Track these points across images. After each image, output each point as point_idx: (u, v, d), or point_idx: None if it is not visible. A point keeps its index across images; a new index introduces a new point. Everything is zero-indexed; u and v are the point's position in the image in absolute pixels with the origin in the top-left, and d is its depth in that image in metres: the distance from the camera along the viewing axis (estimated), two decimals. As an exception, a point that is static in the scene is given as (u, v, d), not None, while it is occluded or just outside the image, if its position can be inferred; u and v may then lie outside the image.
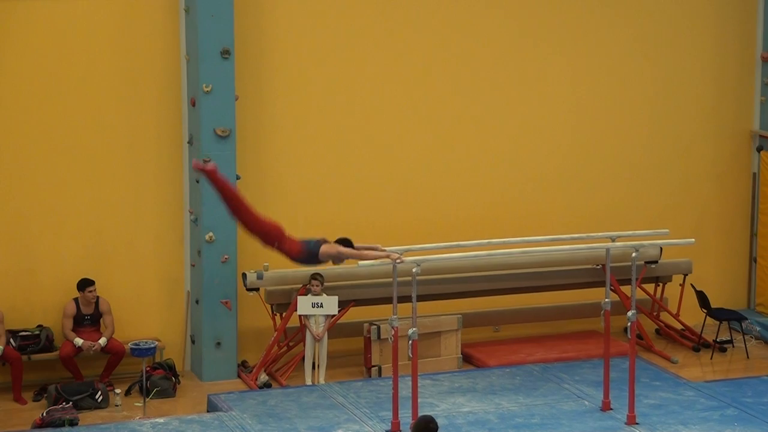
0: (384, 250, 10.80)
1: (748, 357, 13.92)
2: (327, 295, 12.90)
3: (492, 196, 14.05)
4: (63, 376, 12.80)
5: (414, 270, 11.09)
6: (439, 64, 13.79)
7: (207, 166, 10.29)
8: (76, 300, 12.86)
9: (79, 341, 12.73)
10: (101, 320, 12.93)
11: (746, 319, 14.37)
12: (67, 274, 12.90)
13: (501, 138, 14.09)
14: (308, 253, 10.44)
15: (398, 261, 10.88)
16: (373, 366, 13.18)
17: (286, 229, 10.41)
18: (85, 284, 12.81)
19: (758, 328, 14.44)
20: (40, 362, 12.82)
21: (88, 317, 12.87)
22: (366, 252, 10.69)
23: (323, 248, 10.46)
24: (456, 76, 13.84)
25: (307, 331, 12.91)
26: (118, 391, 12.64)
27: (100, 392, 12.47)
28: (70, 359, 12.73)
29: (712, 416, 11.82)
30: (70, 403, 12.21)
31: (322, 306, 12.86)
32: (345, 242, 10.60)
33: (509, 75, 14.02)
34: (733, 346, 14.13)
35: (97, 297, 12.87)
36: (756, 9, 14.64)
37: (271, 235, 10.41)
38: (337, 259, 10.54)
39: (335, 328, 13.25)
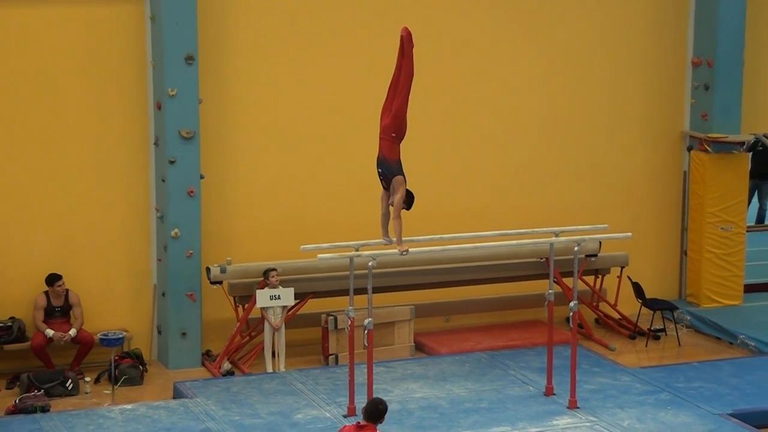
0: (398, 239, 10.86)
1: (679, 344, 14.06)
2: (286, 286, 12.91)
3: (444, 196, 14.08)
4: (35, 365, 12.71)
5: (369, 264, 11.12)
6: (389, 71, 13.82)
7: (406, 31, 10.56)
8: (46, 293, 12.76)
9: (50, 332, 12.64)
10: (71, 312, 12.84)
11: (678, 308, 14.51)
12: (37, 269, 12.79)
13: (453, 141, 14.14)
14: (396, 166, 10.64)
15: (404, 253, 10.92)
16: (331, 354, 13.19)
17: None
18: (53, 279, 12.73)
19: (689, 318, 14.58)
20: (12, 352, 12.73)
21: (59, 309, 12.79)
22: (398, 222, 10.75)
23: (400, 178, 10.67)
24: (414, 83, 13.82)
25: (266, 321, 12.91)
26: (87, 379, 12.57)
27: (70, 380, 12.40)
28: (42, 349, 12.64)
29: (647, 400, 11.94)
30: (42, 390, 12.14)
31: (279, 298, 12.87)
32: (410, 195, 10.79)
33: (460, 81, 14.07)
34: (666, 334, 14.26)
35: (67, 290, 12.78)
36: (687, 18, 14.78)
37: (401, 125, 10.66)
38: (394, 193, 10.66)
39: (295, 319, 13.26)
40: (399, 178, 10.71)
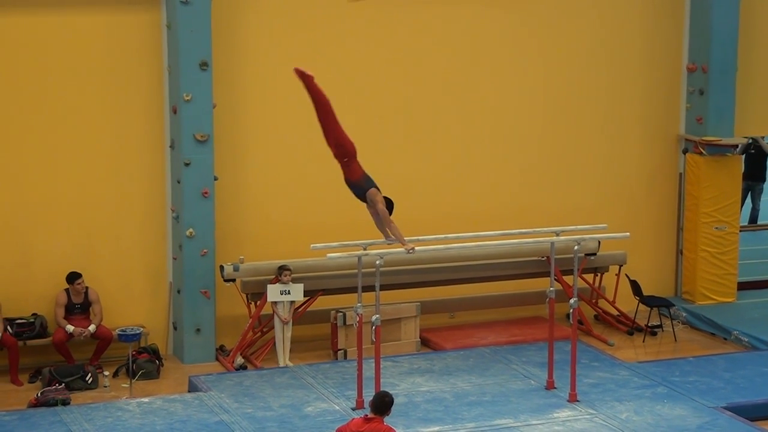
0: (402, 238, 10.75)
1: (675, 340, 14.06)
2: (297, 283, 12.93)
3: (448, 197, 14.09)
4: (56, 360, 12.75)
5: (377, 262, 11.14)
6: (404, 73, 13.81)
7: (308, 72, 10.30)
8: (67, 290, 12.80)
9: (70, 328, 12.68)
10: (90, 309, 12.87)
11: (674, 305, 14.51)
12: (59, 267, 12.83)
13: (456, 146, 14.14)
14: (363, 183, 10.59)
15: (411, 251, 10.88)
16: (340, 349, 13.20)
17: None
18: (73, 277, 12.76)
19: (684, 314, 14.57)
20: (34, 347, 12.77)
21: (79, 306, 12.82)
22: (393, 226, 10.68)
23: (372, 190, 10.59)
24: (419, 86, 13.87)
25: (275, 317, 12.94)
26: (106, 373, 12.61)
27: (90, 374, 12.43)
28: (63, 344, 12.68)
29: (644, 394, 11.94)
30: (63, 384, 12.17)
31: (289, 293, 12.89)
32: (389, 202, 10.70)
33: (462, 86, 14.08)
34: (663, 330, 14.25)
35: (87, 287, 12.81)
36: (682, 25, 14.78)
37: (346, 149, 10.56)
38: (374, 207, 10.59)
39: (305, 315, 13.27)
40: (372, 191, 10.70)
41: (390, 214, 10.82)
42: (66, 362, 12.68)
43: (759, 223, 17.73)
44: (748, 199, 17.74)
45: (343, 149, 10.63)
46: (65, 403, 11.78)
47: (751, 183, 17.57)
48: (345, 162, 10.67)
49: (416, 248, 11.05)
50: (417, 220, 13.74)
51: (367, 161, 13.71)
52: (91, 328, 12.72)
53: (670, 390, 11.99)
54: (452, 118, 14.13)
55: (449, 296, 14.09)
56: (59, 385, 12.13)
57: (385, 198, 10.79)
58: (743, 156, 16.40)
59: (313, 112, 13.45)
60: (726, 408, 11.55)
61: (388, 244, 11.05)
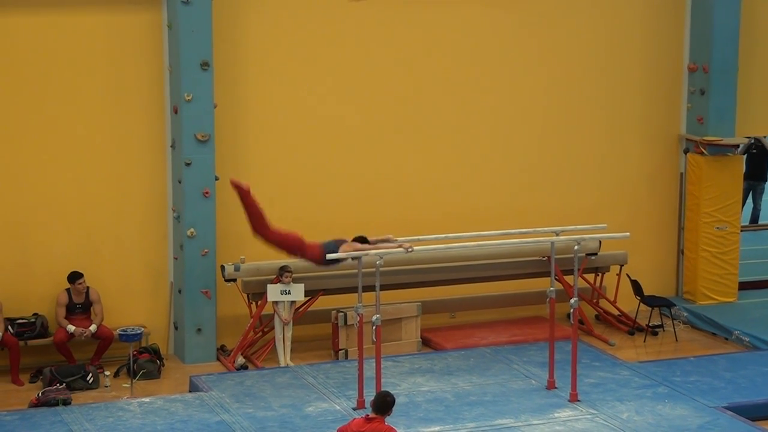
0: (396, 241, 10.79)
1: (676, 340, 14.04)
2: (297, 283, 12.92)
3: (450, 197, 14.06)
4: (57, 360, 12.74)
5: (377, 262, 11.12)
6: (404, 74, 13.81)
7: (243, 185, 10.28)
8: (68, 290, 12.78)
9: (71, 328, 12.67)
10: (91, 308, 12.86)
11: (675, 305, 14.49)
12: (60, 267, 12.82)
13: (457, 146, 14.12)
14: (325, 252, 10.51)
15: (409, 250, 10.88)
16: (340, 349, 13.19)
17: (305, 238, 10.40)
18: (74, 277, 12.75)
19: (685, 314, 14.56)
20: (35, 347, 12.76)
21: (80, 306, 12.81)
22: (381, 244, 10.67)
23: (342, 248, 10.53)
24: (419, 86, 13.86)
25: (276, 317, 12.92)
26: (107, 373, 12.60)
27: (91, 374, 12.42)
28: (63, 344, 12.67)
29: (645, 393, 11.93)
30: (64, 384, 12.17)
31: (290, 293, 12.88)
32: (361, 239, 10.67)
33: (463, 87, 14.07)
34: (664, 330, 14.24)
35: (87, 287, 12.80)
36: (684, 26, 14.76)
37: (293, 246, 10.45)
38: (360, 252, 10.55)
39: (306, 315, 13.26)
40: (343, 248, 10.66)
41: (364, 242, 10.80)
42: (67, 362, 12.67)
43: (760, 222, 17.70)
44: (749, 199, 17.71)
45: (291, 247, 10.57)
46: (66, 403, 11.77)
47: (752, 183, 17.55)
48: (300, 255, 10.60)
49: (417, 248, 11.01)
50: (417, 220, 13.76)
51: (367, 161, 13.83)
52: (92, 328, 12.71)
53: (671, 390, 11.98)
54: (453, 118, 14.12)
55: (450, 296, 14.08)
56: (60, 385, 12.13)
57: (357, 238, 10.82)
58: (745, 156, 16.39)
59: (311, 111, 13.56)
60: (727, 408, 11.53)
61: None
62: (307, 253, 10.55)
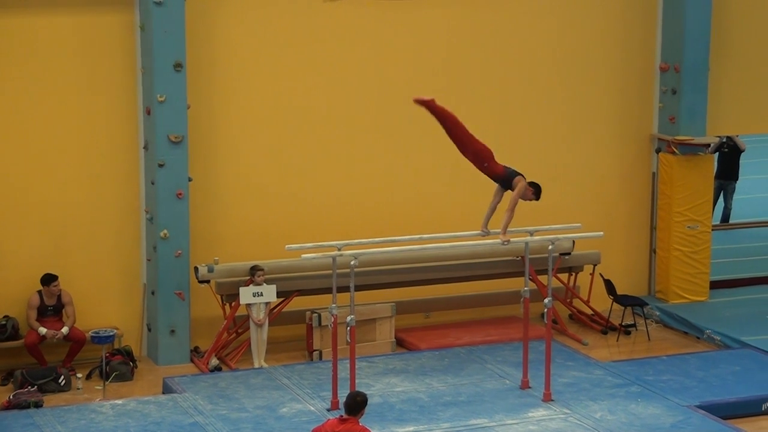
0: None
1: (649, 339, 14.06)
2: (271, 284, 12.85)
3: (425, 197, 14.04)
4: (28, 362, 12.60)
5: (352, 263, 11.08)
6: (380, 74, 13.76)
7: (427, 98, 10.71)
8: (39, 292, 12.66)
9: (43, 330, 12.54)
10: (63, 311, 12.74)
11: (647, 304, 14.50)
12: (31, 269, 12.69)
13: (434, 147, 14.00)
14: (506, 175, 10.99)
15: (506, 243, 11.25)
16: (315, 350, 13.13)
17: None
18: (49, 279, 12.63)
19: (658, 313, 14.58)
20: (6, 350, 12.63)
21: (51, 308, 12.69)
22: (510, 215, 11.01)
23: (516, 179, 10.99)
24: (394, 87, 13.78)
25: (250, 318, 12.86)
26: (79, 375, 12.48)
27: (63, 377, 12.31)
28: (35, 347, 12.54)
29: (618, 393, 11.93)
30: (35, 386, 12.05)
31: (262, 295, 12.81)
32: (536, 187, 11.09)
33: (440, 86, 14.00)
34: (636, 329, 14.26)
35: (60, 289, 12.69)
36: (655, 26, 14.79)
37: (483, 155, 10.97)
38: (520, 194, 10.96)
39: (280, 316, 13.19)
40: (516, 179, 11.07)
41: (538, 197, 11.17)
42: (38, 364, 12.54)
43: (731, 222, 17.76)
44: (721, 198, 17.77)
45: (479, 156, 11.04)
46: (38, 405, 11.66)
47: (723, 182, 17.60)
48: (485, 167, 11.06)
49: (391, 248, 10.96)
50: (393, 221, 13.72)
51: (342, 162, 13.78)
52: (64, 330, 12.59)
53: (643, 389, 11.98)
54: (429, 118, 14.02)
55: (424, 296, 14.04)
56: (32, 387, 12.01)
57: (533, 183, 11.12)
58: (716, 155, 16.45)
59: (285, 112, 13.50)
60: (699, 406, 11.55)
61: (482, 236, 11.31)
62: (492, 165, 11.00)
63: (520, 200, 11.07)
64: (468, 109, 14.11)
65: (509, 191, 11.18)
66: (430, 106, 10.84)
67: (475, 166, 11.16)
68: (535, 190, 11.18)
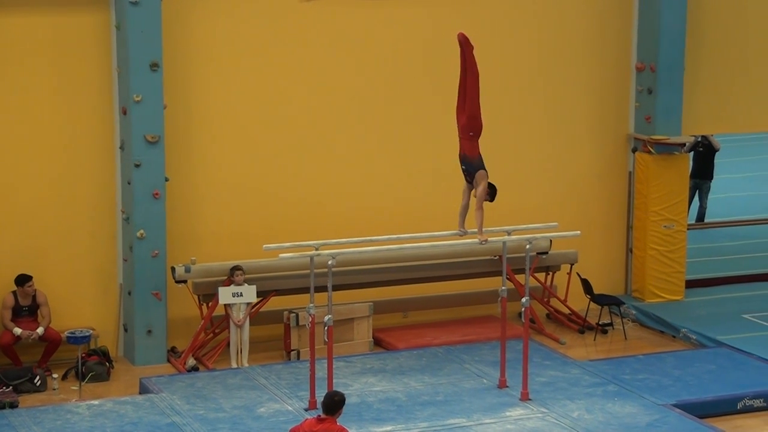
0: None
1: (626, 338, 14.10)
2: (250, 284, 12.81)
3: (403, 196, 14.02)
4: (3, 363, 12.51)
5: (329, 262, 11.06)
6: (355, 72, 13.74)
7: (471, 42, 10.67)
8: (14, 293, 12.58)
9: (17, 330, 12.46)
10: (38, 311, 12.66)
11: (624, 303, 14.56)
12: (6, 269, 12.61)
13: (411, 146, 14.08)
14: (477, 162, 10.88)
15: (484, 242, 11.20)
16: (292, 350, 13.10)
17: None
18: (23, 280, 12.54)
19: (634, 312, 14.62)
20: (-19, 351, 12.58)
21: (26, 308, 12.61)
22: (480, 213, 10.95)
23: (482, 172, 10.92)
24: (370, 86, 13.78)
25: (230, 319, 12.81)
26: (55, 376, 12.41)
27: (38, 377, 12.24)
28: (10, 347, 12.46)
29: (595, 392, 11.96)
30: (11, 387, 11.98)
31: (241, 295, 12.77)
32: (492, 188, 11.03)
33: (415, 86, 14.02)
34: (613, 328, 14.30)
35: (35, 289, 12.61)
36: (631, 25, 14.83)
37: (476, 124, 10.83)
38: (476, 186, 10.89)
39: (258, 316, 13.15)
40: (481, 172, 10.95)
41: (492, 199, 11.10)
42: (13, 365, 12.46)
43: (706, 221, 17.85)
44: (696, 198, 17.85)
45: (473, 123, 10.86)
46: (13, 405, 11.59)
47: (698, 181, 17.69)
48: (470, 137, 10.89)
49: (369, 248, 10.94)
50: (370, 220, 13.69)
51: (319, 160, 13.75)
52: (39, 330, 12.51)
53: (620, 388, 12.01)
54: (404, 117, 14.06)
55: (402, 296, 14.03)
56: (7, 388, 11.93)
57: (490, 184, 11.03)
58: (691, 154, 16.51)
59: (262, 112, 13.45)
60: (675, 405, 11.59)
61: (460, 235, 11.25)
62: (475, 142, 10.86)
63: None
64: (447, 108, 14.16)
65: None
66: (467, 49, 10.72)
67: (458, 131, 10.95)
68: (490, 191, 11.09)
